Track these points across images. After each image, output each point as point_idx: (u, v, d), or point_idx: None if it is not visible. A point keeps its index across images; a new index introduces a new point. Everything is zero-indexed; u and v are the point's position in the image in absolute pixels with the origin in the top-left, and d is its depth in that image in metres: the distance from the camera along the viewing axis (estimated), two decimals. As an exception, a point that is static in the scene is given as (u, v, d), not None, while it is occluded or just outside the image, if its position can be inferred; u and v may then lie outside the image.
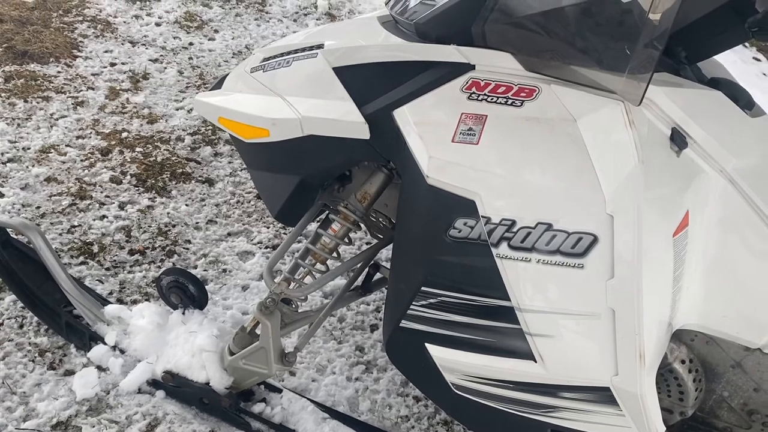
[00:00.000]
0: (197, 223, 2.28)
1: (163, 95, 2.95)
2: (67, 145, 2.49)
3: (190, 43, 3.42)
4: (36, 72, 2.87)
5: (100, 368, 1.67)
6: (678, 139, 1.09)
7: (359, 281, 1.72)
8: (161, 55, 3.25)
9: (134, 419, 1.58)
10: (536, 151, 1.06)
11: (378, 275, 1.74)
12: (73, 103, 2.74)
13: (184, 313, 1.68)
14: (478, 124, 1.09)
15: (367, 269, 1.69)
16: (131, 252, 2.09)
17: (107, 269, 2.01)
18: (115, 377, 1.65)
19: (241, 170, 2.57)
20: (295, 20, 3.97)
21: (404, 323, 1.21)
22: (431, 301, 1.17)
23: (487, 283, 1.10)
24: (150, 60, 3.19)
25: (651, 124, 1.08)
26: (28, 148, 2.42)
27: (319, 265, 1.50)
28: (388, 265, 1.53)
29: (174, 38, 3.42)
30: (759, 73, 4.45)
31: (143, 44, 3.31)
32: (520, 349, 1.11)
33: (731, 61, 3.71)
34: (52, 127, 2.57)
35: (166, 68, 3.15)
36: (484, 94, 1.10)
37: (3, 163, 2.32)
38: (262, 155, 1.44)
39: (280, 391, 1.66)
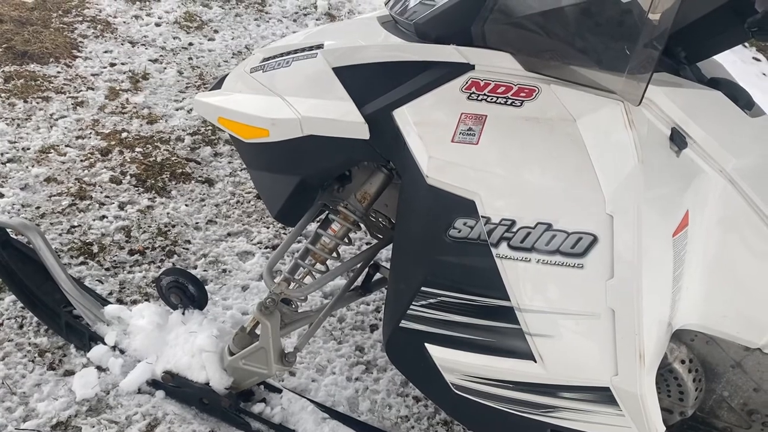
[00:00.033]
0: (197, 223, 2.28)
1: (162, 95, 2.95)
2: (66, 146, 2.49)
3: (190, 44, 3.42)
4: (36, 72, 2.87)
5: (99, 368, 1.67)
6: (678, 139, 1.09)
7: (359, 281, 1.72)
8: (161, 56, 3.25)
9: (134, 419, 1.58)
10: (536, 151, 1.06)
11: (378, 275, 1.74)
12: (72, 104, 2.74)
13: (183, 314, 1.68)
14: (477, 124, 1.09)
15: (366, 269, 1.69)
16: (131, 252, 2.09)
17: (107, 269, 2.01)
18: (115, 377, 1.65)
19: (241, 170, 2.57)
20: (294, 20, 3.97)
21: (404, 323, 1.21)
22: (431, 301, 1.17)
23: (487, 283, 1.10)
24: (150, 60, 3.19)
25: (651, 124, 1.08)
26: (28, 149, 2.42)
27: (318, 266, 1.50)
28: (387, 265, 1.53)
29: (174, 38, 3.43)
30: (759, 73, 4.45)
31: (143, 44, 3.31)
32: (519, 349, 1.11)
33: (731, 61, 3.71)
34: (51, 127, 2.57)
35: (165, 68, 3.15)
36: (484, 94, 1.10)
37: (3, 164, 2.32)
38: (261, 155, 1.44)
39: (279, 391, 1.66)
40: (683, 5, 0.95)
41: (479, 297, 1.12)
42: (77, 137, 2.55)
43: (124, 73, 3.04)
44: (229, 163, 2.61)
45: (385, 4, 1.39)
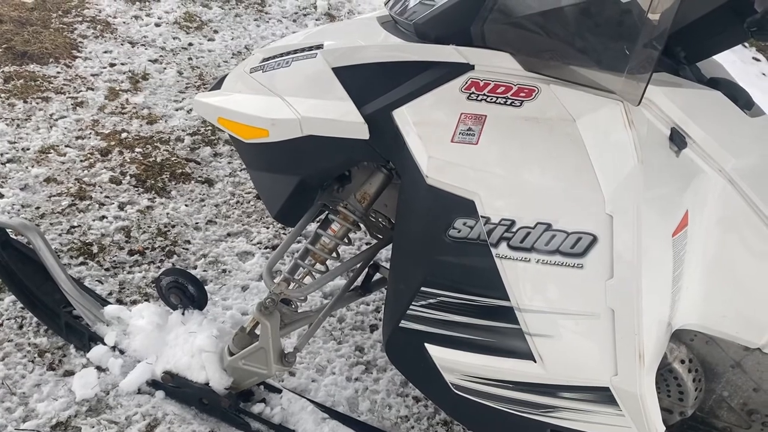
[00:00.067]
0: (197, 223, 2.28)
1: (162, 96, 2.95)
2: (66, 146, 2.49)
3: (190, 44, 3.42)
4: (35, 72, 2.87)
5: (99, 369, 1.67)
6: (677, 139, 1.09)
7: (359, 281, 1.72)
8: (161, 56, 3.25)
9: (134, 420, 1.58)
10: (535, 151, 1.06)
11: (377, 275, 1.74)
12: (72, 104, 2.74)
13: (183, 314, 1.68)
14: (477, 124, 1.09)
15: (366, 269, 1.69)
16: (131, 252, 2.09)
17: (107, 270, 2.01)
18: (115, 378, 1.65)
19: (241, 170, 2.57)
20: (294, 20, 3.97)
21: (404, 323, 1.21)
22: (431, 301, 1.17)
23: (487, 283, 1.10)
24: (149, 60, 3.19)
25: (650, 124, 1.08)
26: (28, 149, 2.42)
27: (318, 266, 1.50)
28: (387, 265, 1.53)
29: (173, 39, 3.42)
30: (758, 73, 4.45)
31: (143, 45, 3.31)
32: (519, 349, 1.11)
33: (730, 61, 3.71)
34: (51, 127, 2.57)
35: (165, 69, 3.15)
36: (484, 94, 1.10)
37: (2, 164, 2.32)
38: (261, 155, 1.44)
39: (279, 391, 1.66)
40: (683, 5, 0.95)
41: (479, 297, 1.12)
42: (77, 137, 2.55)
43: (124, 73, 3.04)
44: (229, 163, 2.61)
45: (385, 4, 1.39)
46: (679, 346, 1.21)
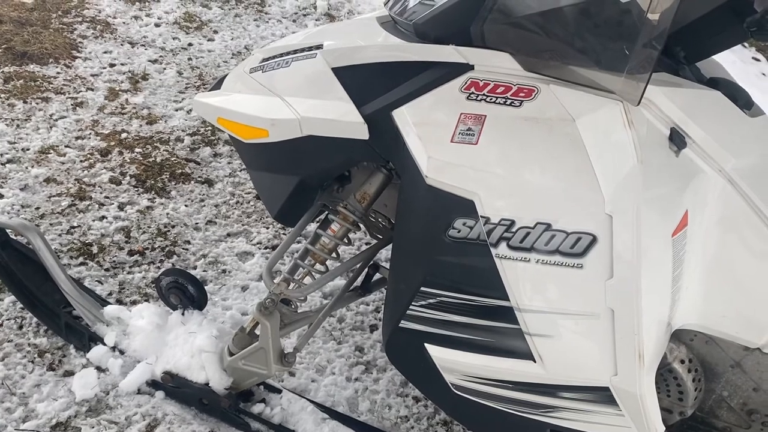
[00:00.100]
0: (197, 223, 2.28)
1: (162, 96, 2.95)
2: (66, 146, 2.49)
3: (190, 44, 3.42)
4: (35, 73, 2.87)
5: (99, 369, 1.67)
6: (677, 139, 1.09)
7: (359, 281, 1.72)
8: (160, 56, 3.25)
9: (133, 420, 1.58)
10: (535, 151, 1.06)
11: (377, 275, 1.74)
12: (72, 104, 2.74)
13: (183, 314, 1.68)
14: (477, 124, 1.09)
15: (366, 269, 1.69)
16: (131, 253, 2.09)
17: (106, 270, 2.01)
18: (115, 378, 1.65)
19: (241, 171, 2.57)
20: (294, 21, 3.97)
21: (404, 323, 1.21)
22: (430, 301, 1.17)
23: (487, 283, 1.10)
24: (149, 61, 3.19)
25: (650, 124, 1.08)
26: (28, 149, 2.42)
27: (318, 266, 1.50)
28: (387, 265, 1.53)
29: (173, 39, 3.42)
30: (758, 73, 4.45)
31: (142, 45, 3.31)
32: (519, 349, 1.11)
33: (730, 61, 3.71)
34: (51, 128, 2.57)
35: (165, 69, 3.15)
36: (483, 95, 1.10)
37: (2, 164, 2.32)
38: (261, 156, 1.44)
39: (279, 391, 1.66)
40: (682, 5, 0.95)
41: (479, 297, 1.12)
42: (77, 138, 2.55)
43: (124, 73, 3.04)
44: (229, 163, 2.61)
45: (385, 5, 1.39)
46: (678, 346, 1.21)
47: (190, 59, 3.29)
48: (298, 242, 1.99)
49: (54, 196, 2.23)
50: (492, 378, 1.17)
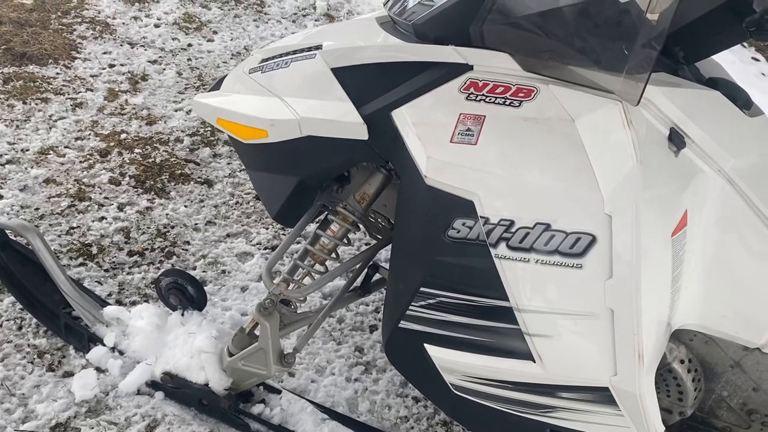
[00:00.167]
0: (196, 224, 2.28)
1: (161, 96, 2.95)
2: (65, 147, 2.49)
3: (189, 45, 3.42)
4: (35, 73, 2.87)
5: (99, 370, 1.67)
6: (676, 139, 1.09)
7: (358, 282, 1.72)
8: (160, 57, 3.25)
9: (133, 420, 1.57)
10: (534, 151, 1.06)
11: (377, 276, 1.73)
12: (71, 105, 2.74)
13: (183, 315, 1.68)
14: (476, 125, 1.09)
15: (366, 270, 1.69)
16: (130, 253, 2.09)
17: (106, 270, 2.01)
18: (114, 378, 1.64)
19: (240, 171, 2.57)
20: (293, 21, 3.97)
21: (403, 324, 1.21)
22: (430, 301, 1.17)
23: (486, 284, 1.10)
24: (149, 61, 3.19)
25: (649, 124, 1.08)
26: (27, 150, 2.42)
27: (318, 266, 1.50)
28: (387, 265, 1.53)
29: (173, 39, 3.42)
30: (757, 73, 4.45)
31: (142, 45, 3.31)
32: (518, 350, 1.11)
33: (730, 61, 3.71)
34: (50, 128, 2.57)
35: (164, 69, 3.15)
36: (483, 95, 1.10)
37: (2, 165, 2.32)
38: (260, 156, 1.44)
39: (279, 392, 1.66)
40: (681, 5, 0.95)
41: (478, 297, 1.12)
42: (76, 138, 2.55)
43: (123, 74, 3.04)
44: (228, 164, 2.61)
45: (384, 5, 1.39)
46: (678, 346, 1.21)
47: (189, 60, 3.29)
48: (298, 243, 1.99)
49: (53, 196, 2.23)
50: (491, 378, 1.17)
